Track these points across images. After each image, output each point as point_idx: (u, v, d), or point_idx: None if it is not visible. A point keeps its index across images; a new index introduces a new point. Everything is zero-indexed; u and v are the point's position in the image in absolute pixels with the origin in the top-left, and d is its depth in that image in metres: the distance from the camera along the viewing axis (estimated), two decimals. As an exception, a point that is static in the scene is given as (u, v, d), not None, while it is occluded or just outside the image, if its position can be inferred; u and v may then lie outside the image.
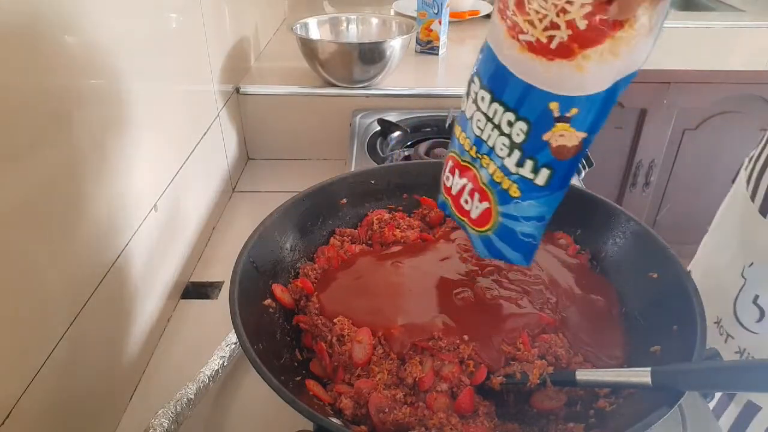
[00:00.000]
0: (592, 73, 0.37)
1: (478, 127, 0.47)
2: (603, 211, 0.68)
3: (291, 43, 1.18)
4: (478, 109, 0.47)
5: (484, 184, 0.49)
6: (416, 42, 1.39)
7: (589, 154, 1.01)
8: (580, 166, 1.00)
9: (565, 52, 0.37)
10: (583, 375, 0.50)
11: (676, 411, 0.56)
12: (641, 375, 0.46)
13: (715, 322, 0.71)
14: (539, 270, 0.65)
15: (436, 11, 1.34)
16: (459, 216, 0.54)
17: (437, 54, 1.38)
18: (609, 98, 0.38)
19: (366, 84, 1.17)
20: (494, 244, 0.50)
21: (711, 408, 0.73)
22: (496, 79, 0.44)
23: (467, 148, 0.50)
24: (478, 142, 0.47)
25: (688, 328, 0.51)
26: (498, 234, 0.49)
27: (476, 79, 0.47)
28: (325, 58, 1.11)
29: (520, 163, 0.44)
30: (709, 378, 0.46)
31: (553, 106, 0.40)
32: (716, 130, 1.77)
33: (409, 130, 1.08)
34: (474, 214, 0.51)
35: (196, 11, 0.89)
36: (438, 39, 1.37)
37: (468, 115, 0.49)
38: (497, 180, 0.47)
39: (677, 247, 0.60)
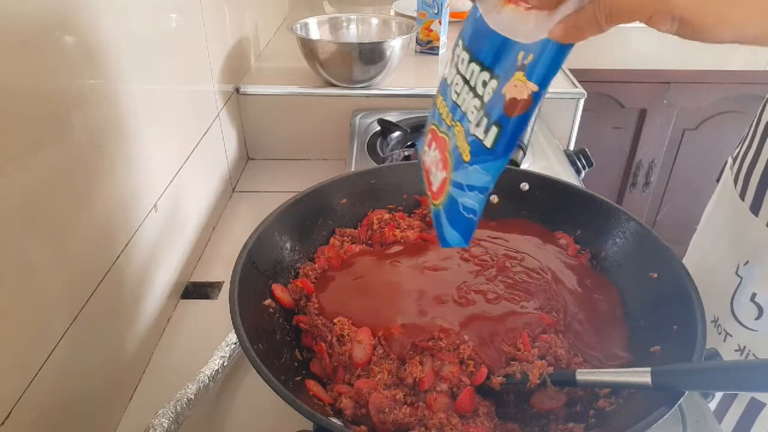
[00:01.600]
0: (554, 15, 0.37)
1: (455, 92, 0.47)
2: (603, 211, 0.68)
3: (291, 43, 1.18)
4: (458, 72, 0.46)
5: (448, 152, 0.47)
6: (416, 42, 1.39)
7: (589, 154, 1.01)
8: (580, 165, 1.00)
9: None
10: (583, 375, 0.50)
11: (676, 411, 0.56)
12: (641, 375, 0.46)
13: (712, 321, 0.71)
14: (542, 270, 0.65)
15: (436, 11, 1.34)
16: (427, 191, 0.52)
17: (437, 54, 1.38)
18: (563, 45, 0.38)
19: (366, 84, 1.17)
20: (440, 219, 0.48)
21: (714, 406, 0.73)
22: (476, 38, 0.44)
23: (444, 117, 0.49)
24: (454, 107, 0.47)
25: (688, 328, 0.51)
26: (445, 207, 0.48)
27: (459, 42, 0.47)
28: (325, 58, 1.11)
29: (478, 123, 0.43)
30: (709, 378, 0.46)
31: (520, 55, 0.40)
32: (716, 130, 1.77)
33: (409, 130, 1.08)
34: (435, 186, 0.49)
35: (196, 11, 0.89)
36: (438, 39, 1.37)
37: (449, 81, 0.48)
38: (459, 146, 0.45)
39: (677, 247, 0.60)
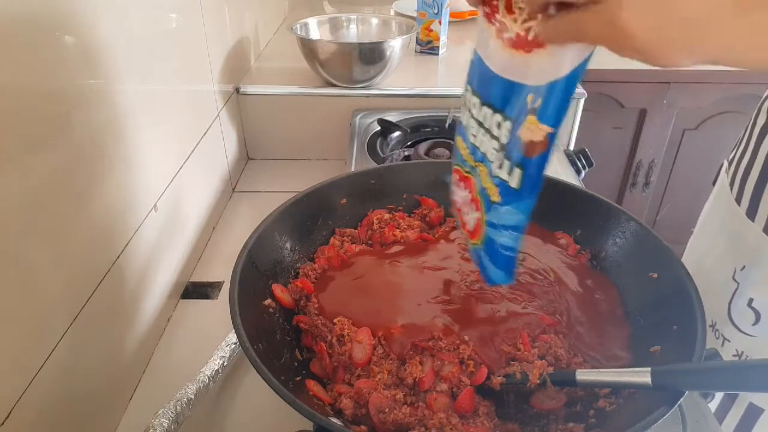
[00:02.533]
0: (557, 58, 0.38)
1: (473, 134, 0.48)
2: (603, 211, 0.68)
3: (291, 43, 1.18)
4: (472, 116, 0.47)
5: (477, 192, 0.49)
6: (416, 42, 1.39)
7: (589, 154, 1.01)
8: (580, 165, 1.00)
9: (539, 41, 0.38)
10: (583, 375, 0.50)
11: (676, 411, 0.56)
12: (641, 375, 0.46)
13: (710, 326, 0.71)
14: (543, 270, 0.65)
15: (436, 11, 1.34)
16: (462, 229, 0.53)
17: (437, 54, 1.38)
18: (569, 85, 0.38)
19: (366, 84, 1.17)
20: (482, 259, 0.50)
21: (712, 411, 0.73)
22: (483, 83, 0.45)
23: (466, 157, 0.50)
24: (474, 149, 0.48)
25: (688, 328, 0.51)
26: (485, 247, 0.49)
27: (468, 87, 0.48)
28: (325, 58, 1.11)
29: (500, 165, 0.44)
30: (709, 378, 0.46)
31: (530, 98, 0.40)
32: (716, 131, 1.77)
33: (409, 130, 1.08)
34: (470, 225, 0.51)
35: (196, 11, 0.89)
36: (438, 39, 1.37)
37: (464, 124, 0.49)
38: (486, 186, 0.47)
39: (677, 247, 0.60)
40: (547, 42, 0.38)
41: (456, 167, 0.53)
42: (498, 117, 0.44)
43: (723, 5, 0.30)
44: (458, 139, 0.52)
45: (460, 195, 0.53)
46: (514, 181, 0.43)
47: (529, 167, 0.41)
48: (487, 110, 0.45)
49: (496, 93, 0.43)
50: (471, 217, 0.50)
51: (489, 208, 0.46)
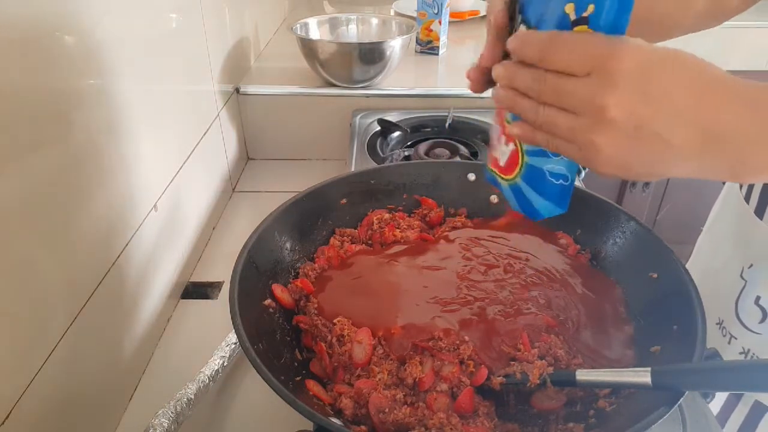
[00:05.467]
0: None
1: None
2: (603, 211, 0.68)
3: (291, 43, 1.18)
4: None
5: (508, 122, 0.46)
6: (416, 42, 1.39)
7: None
8: (580, 165, 1.00)
9: None
10: (583, 375, 0.50)
11: (676, 411, 0.56)
12: (641, 375, 0.46)
13: (717, 324, 0.71)
14: (545, 270, 0.65)
15: (436, 11, 1.34)
16: (492, 169, 0.51)
17: (437, 54, 1.38)
18: None
19: (366, 84, 1.17)
20: (523, 192, 0.47)
21: (717, 409, 0.73)
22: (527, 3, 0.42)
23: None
24: None
25: (688, 328, 0.51)
26: (525, 178, 0.46)
27: (518, 17, 0.45)
28: (325, 58, 1.11)
29: None
30: (709, 378, 0.46)
31: (569, 8, 0.38)
32: (716, 130, 1.77)
33: (409, 130, 1.08)
34: (502, 161, 0.48)
35: (196, 11, 0.89)
36: (438, 39, 1.37)
37: None
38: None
39: (677, 247, 0.60)
40: (525, 142, 0.44)
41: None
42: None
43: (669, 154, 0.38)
44: None
45: (495, 136, 0.50)
46: None
47: None
48: (522, 29, 0.42)
49: (534, 9, 0.41)
50: (504, 151, 0.48)
51: None
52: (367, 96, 1.17)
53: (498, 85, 0.43)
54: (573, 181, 0.45)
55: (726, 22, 0.66)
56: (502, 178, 0.49)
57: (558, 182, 0.45)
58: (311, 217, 0.70)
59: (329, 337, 0.57)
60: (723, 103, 0.38)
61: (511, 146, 0.47)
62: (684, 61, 0.38)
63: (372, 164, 0.98)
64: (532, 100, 0.40)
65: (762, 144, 0.38)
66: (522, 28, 0.43)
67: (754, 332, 0.67)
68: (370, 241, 0.72)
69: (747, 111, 0.38)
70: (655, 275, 0.60)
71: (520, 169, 0.47)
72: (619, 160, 0.39)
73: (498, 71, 0.43)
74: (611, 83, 0.36)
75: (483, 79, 0.47)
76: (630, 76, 0.36)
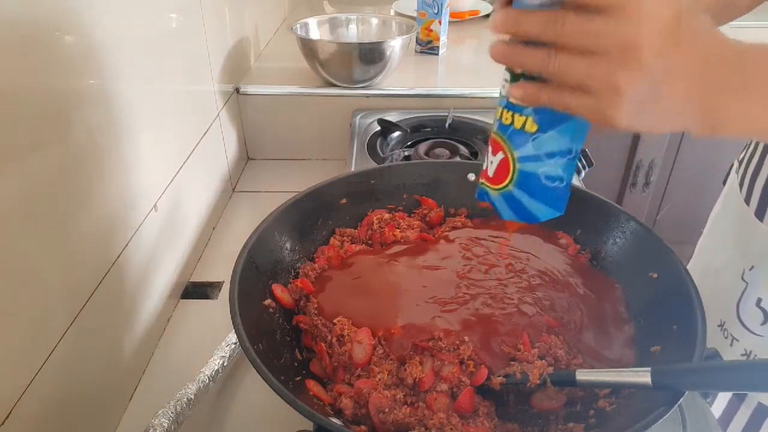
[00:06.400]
0: None
1: (502, 86, 0.45)
2: (603, 211, 0.68)
3: (291, 43, 1.18)
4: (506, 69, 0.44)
5: (495, 133, 0.46)
6: (416, 42, 1.39)
7: (589, 154, 1.01)
8: (580, 165, 1.00)
9: None
10: (583, 375, 0.50)
11: (676, 411, 0.56)
12: (641, 375, 0.46)
13: (718, 325, 0.71)
14: (546, 270, 0.65)
15: (436, 11, 1.34)
16: (482, 182, 0.50)
17: (437, 54, 1.38)
18: None
19: (366, 84, 1.17)
20: (517, 198, 0.46)
21: (720, 411, 0.73)
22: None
23: (499, 117, 0.47)
24: (503, 101, 0.45)
25: (688, 328, 0.51)
26: (518, 184, 0.46)
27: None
28: (325, 58, 1.11)
29: None
30: (709, 378, 0.46)
31: None
32: (716, 130, 1.77)
33: (409, 130, 1.08)
34: (491, 171, 0.47)
35: (196, 11, 0.89)
36: (438, 39, 1.37)
37: (502, 93, 0.46)
38: (506, 121, 0.44)
39: (677, 247, 0.60)
40: (529, 103, 0.41)
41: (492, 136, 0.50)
42: None
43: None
44: (497, 111, 0.48)
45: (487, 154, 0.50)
46: None
47: None
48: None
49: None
50: (493, 161, 0.47)
51: (521, 142, 0.44)
52: (367, 96, 1.17)
53: (497, 40, 0.41)
54: (569, 182, 0.44)
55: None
56: (492, 189, 0.49)
57: (554, 185, 0.44)
58: (311, 217, 0.70)
59: (329, 337, 0.57)
60: (726, 64, 0.38)
61: (500, 155, 0.46)
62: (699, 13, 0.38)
63: (372, 164, 0.98)
64: (541, 50, 0.38)
65: (732, 94, 0.38)
66: None
67: (755, 334, 0.67)
68: (370, 241, 0.72)
69: (732, 66, 0.38)
70: (655, 275, 0.60)
71: (512, 177, 0.46)
72: (639, 109, 0.37)
73: (500, 17, 0.39)
74: (647, 20, 0.35)
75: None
76: (665, 16, 0.35)
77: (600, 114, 0.38)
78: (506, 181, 0.46)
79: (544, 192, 0.45)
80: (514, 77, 0.42)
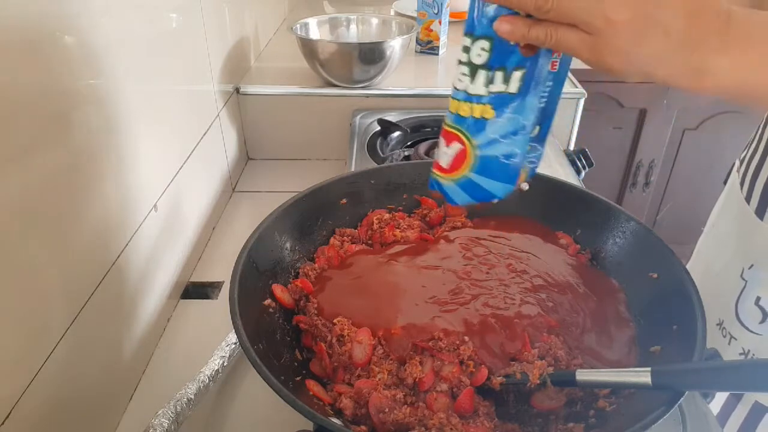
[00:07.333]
0: None
1: (459, 80, 0.48)
2: (603, 211, 0.68)
3: (291, 43, 1.18)
4: (460, 62, 0.48)
5: (449, 125, 0.49)
6: (416, 42, 1.39)
7: (589, 154, 1.01)
8: (580, 165, 1.00)
9: None
10: (583, 375, 0.50)
11: (676, 411, 0.56)
12: (641, 375, 0.46)
13: (717, 324, 0.71)
14: (547, 270, 0.65)
15: (436, 11, 1.34)
16: (435, 173, 0.54)
17: (437, 54, 1.38)
18: None
19: (366, 84, 1.17)
20: (475, 182, 0.50)
21: (717, 410, 0.73)
22: (469, 19, 0.46)
23: (451, 109, 0.51)
24: (455, 92, 0.49)
25: (688, 328, 0.51)
26: (477, 170, 0.49)
27: (464, 39, 0.48)
28: (325, 58, 1.11)
29: (490, 81, 0.45)
30: (709, 378, 0.46)
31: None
32: (716, 130, 1.77)
33: (409, 130, 1.08)
34: (445, 162, 0.51)
35: (196, 11, 0.89)
36: (438, 39, 1.37)
37: (457, 87, 0.50)
38: (464, 113, 0.47)
39: (677, 247, 0.60)
40: (521, 41, 0.42)
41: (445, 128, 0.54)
42: (466, 40, 0.45)
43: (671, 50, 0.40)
44: (451, 103, 0.52)
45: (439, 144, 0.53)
46: (513, 86, 0.44)
47: (531, 66, 0.44)
48: (466, 39, 0.46)
49: (479, 19, 0.44)
50: (447, 153, 0.50)
51: (479, 129, 0.47)
52: (367, 96, 1.17)
53: None
54: (524, 153, 0.48)
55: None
56: (446, 178, 0.52)
57: (510, 161, 0.48)
58: (311, 217, 0.70)
59: (329, 337, 0.57)
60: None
61: (457, 146, 0.49)
62: None
63: (372, 164, 0.98)
64: None
65: (718, 36, 0.39)
66: (465, 39, 0.46)
67: (754, 333, 0.67)
68: (370, 241, 0.72)
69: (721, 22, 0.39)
70: (656, 275, 0.60)
71: (470, 164, 0.49)
72: (629, 46, 0.39)
73: None
74: None
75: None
76: None
77: (590, 50, 0.40)
78: (462, 169, 0.50)
79: (502, 170, 0.49)
80: (473, 69, 0.45)
